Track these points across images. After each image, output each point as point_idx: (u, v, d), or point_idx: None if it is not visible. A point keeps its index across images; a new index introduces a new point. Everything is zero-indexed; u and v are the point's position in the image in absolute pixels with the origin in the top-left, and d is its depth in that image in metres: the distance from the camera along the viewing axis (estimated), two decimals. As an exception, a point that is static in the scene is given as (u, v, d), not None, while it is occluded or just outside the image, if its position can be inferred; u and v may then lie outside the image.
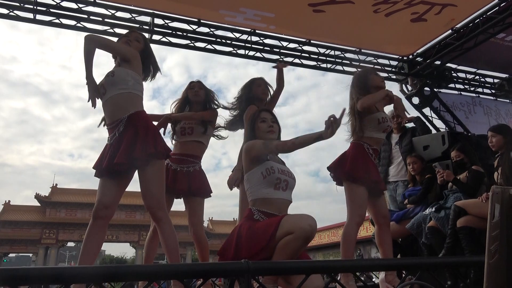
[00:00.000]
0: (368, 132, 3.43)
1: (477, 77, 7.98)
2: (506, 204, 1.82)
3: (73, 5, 5.25)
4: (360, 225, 3.36)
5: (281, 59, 6.23)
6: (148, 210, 2.82)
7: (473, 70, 7.83)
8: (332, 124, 2.36)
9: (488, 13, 5.76)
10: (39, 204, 41.71)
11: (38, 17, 5.18)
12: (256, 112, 2.88)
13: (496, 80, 8.23)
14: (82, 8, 5.28)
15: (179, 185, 3.53)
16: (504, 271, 1.78)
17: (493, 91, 8.27)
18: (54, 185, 43.13)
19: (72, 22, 5.32)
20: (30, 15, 5.14)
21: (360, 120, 3.43)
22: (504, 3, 5.53)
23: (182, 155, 3.65)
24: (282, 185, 2.57)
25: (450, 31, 6.22)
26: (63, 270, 1.49)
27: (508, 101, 8.45)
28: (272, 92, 4.06)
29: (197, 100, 3.79)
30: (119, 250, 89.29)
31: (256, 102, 3.86)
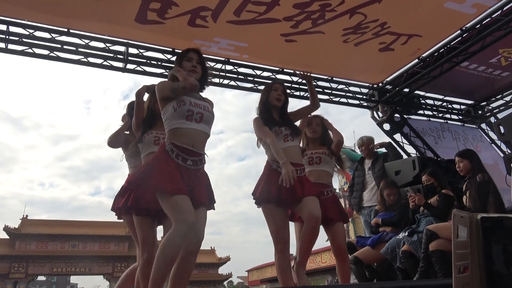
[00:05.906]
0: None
1: (445, 103, 8.29)
2: (476, 228, 1.93)
3: (46, 35, 5.23)
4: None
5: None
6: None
7: (440, 97, 8.13)
8: None
9: (451, 43, 6.04)
10: (7, 237, 40.13)
11: (10, 46, 5.14)
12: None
13: (462, 107, 8.55)
14: (56, 38, 5.27)
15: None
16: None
17: (460, 117, 8.59)
18: (25, 216, 41.61)
19: (45, 52, 5.30)
20: (2, 45, 5.10)
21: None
22: (465, 34, 5.81)
23: None
24: (196, 117, 2.57)
25: (416, 60, 6.49)
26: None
27: (475, 126, 8.77)
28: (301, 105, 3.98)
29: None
30: (92, 283, 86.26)
31: (271, 107, 3.42)
